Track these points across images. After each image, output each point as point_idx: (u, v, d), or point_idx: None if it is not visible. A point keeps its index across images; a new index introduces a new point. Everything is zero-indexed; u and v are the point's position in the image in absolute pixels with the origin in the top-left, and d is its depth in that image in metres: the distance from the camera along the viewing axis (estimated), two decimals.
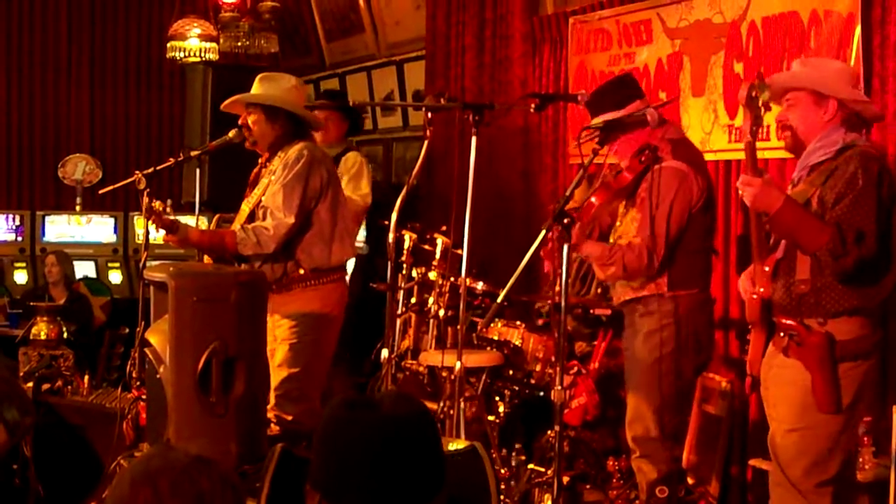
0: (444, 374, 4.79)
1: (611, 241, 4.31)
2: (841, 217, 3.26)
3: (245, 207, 4.68)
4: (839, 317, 3.36)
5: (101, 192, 5.34)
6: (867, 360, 3.45)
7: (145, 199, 4.38)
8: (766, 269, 3.43)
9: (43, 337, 5.32)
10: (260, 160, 4.79)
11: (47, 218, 8.78)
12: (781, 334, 3.46)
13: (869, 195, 3.29)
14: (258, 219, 4.59)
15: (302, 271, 4.63)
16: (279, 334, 4.61)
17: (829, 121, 3.42)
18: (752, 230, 3.45)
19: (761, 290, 3.45)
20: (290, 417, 4.53)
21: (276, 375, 4.55)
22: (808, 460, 3.42)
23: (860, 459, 3.46)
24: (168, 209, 4.51)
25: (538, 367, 4.91)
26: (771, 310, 3.49)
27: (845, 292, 3.34)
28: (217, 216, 4.80)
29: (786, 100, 3.49)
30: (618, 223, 4.28)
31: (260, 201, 4.62)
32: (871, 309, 3.43)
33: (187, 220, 4.70)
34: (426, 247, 5.58)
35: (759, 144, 4.82)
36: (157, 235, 4.67)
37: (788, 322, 3.41)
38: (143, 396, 3.94)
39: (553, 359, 4.66)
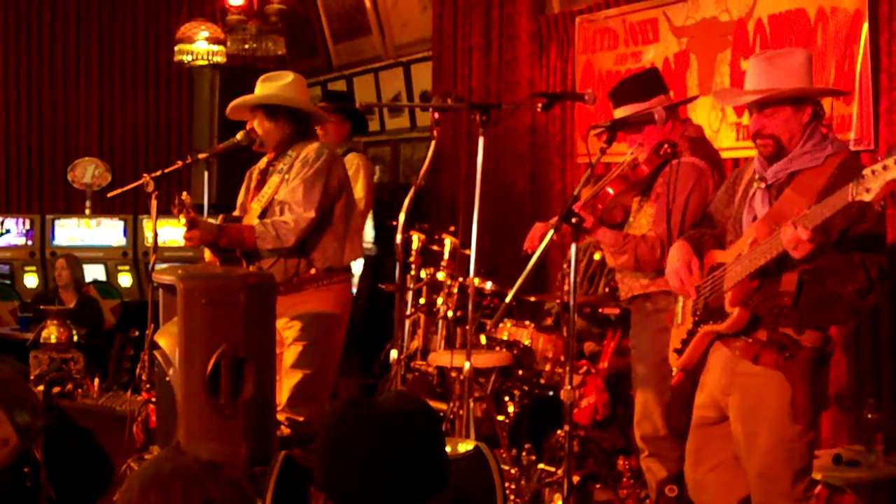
0: (454, 374, 4.80)
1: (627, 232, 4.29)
2: (863, 251, 3.17)
3: (255, 206, 4.68)
4: (815, 330, 3.31)
5: (110, 195, 5.35)
6: (828, 368, 3.47)
7: (183, 196, 4.40)
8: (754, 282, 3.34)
9: (53, 340, 5.33)
10: (266, 157, 4.79)
11: (57, 221, 8.81)
12: (747, 338, 3.37)
13: (882, 223, 3.26)
14: (273, 215, 4.60)
15: (314, 271, 4.63)
16: (290, 335, 4.61)
17: (808, 122, 3.34)
18: (753, 246, 3.30)
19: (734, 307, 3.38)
20: (301, 418, 4.54)
21: (289, 377, 4.55)
22: (795, 470, 3.36)
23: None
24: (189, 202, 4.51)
25: (548, 367, 4.90)
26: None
27: (826, 311, 3.28)
28: (221, 217, 4.80)
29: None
30: (631, 219, 4.27)
31: (272, 199, 4.63)
32: (844, 325, 3.47)
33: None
34: (434, 247, 5.59)
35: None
36: (169, 239, 4.67)
37: (775, 334, 3.31)
38: (153, 399, 3.95)
39: (562, 358, 4.67)
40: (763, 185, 3.38)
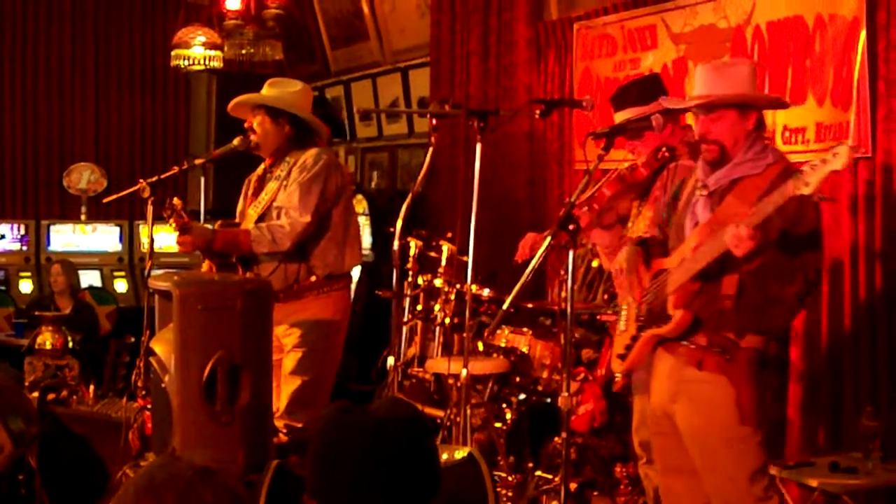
0: (451, 381, 4.79)
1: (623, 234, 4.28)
2: (801, 255, 3.26)
3: (252, 212, 4.68)
4: (758, 333, 3.35)
5: (105, 200, 5.34)
6: (771, 370, 3.52)
7: (174, 201, 4.39)
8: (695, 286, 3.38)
9: (48, 346, 5.31)
10: (263, 164, 4.79)
11: (52, 227, 8.80)
12: (689, 344, 3.39)
13: (819, 227, 3.36)
14: (271, 219, 4.60)
15: (314, 278, 4.63)
16: (289, 342, 4.60)
17: (753, 129, 3.42)
18: (695, 249, 3.35)
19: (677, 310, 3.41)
20: (300, 425, 4.53)
21: (288, 383, 4.55)
22: (749, 471, 3.40)
23: None
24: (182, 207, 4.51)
25: (545, 374, 4.90)
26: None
27: (767, 313, 3.34)
28: (219, 223, 4.80)
29: (654, 118, 3.52)
30: (630, 223, 4.26)
31: (270, 205, 4.62)
32: (781, 330, 3.52)
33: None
34: (432, 254, 5.58)
35: None
36: (165, 245, 4.66)
37: (715, 337, 3.35)
38: (149, 406, 3.93)
39: (560, 365, 4.66)
40: (705, 193, 3.43)
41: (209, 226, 4.80)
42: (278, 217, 4.58)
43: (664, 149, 4.05)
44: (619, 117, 4.18)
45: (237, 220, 4.85)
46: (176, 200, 4.42)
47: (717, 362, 3.35)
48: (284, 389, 4.53)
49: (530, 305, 5.15)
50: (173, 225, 4.46)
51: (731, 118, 3.38)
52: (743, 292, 3.29)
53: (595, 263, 5.21)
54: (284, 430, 4.46)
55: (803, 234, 3.27)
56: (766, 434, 3.46)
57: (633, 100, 4.20)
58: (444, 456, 2.20)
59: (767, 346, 3.39)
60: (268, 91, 4.75)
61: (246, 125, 4.71)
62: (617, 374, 3.61)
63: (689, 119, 4.34)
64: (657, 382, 3.56)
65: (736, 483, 3.40)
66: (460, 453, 2.41)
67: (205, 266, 4.69)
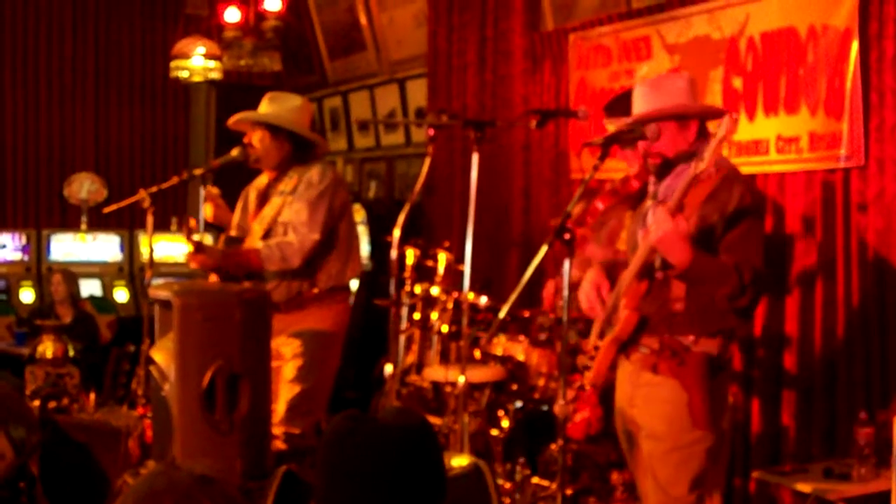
0: (448, 389, 4.82)
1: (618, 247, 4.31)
2: (737, 256, 3.30)
3: (257, 227, 4.71)
4: (710, 337, 3.41)
5: (106, 210, 5.38)
6: (727, 375, 3.57)
7: (192, 224, 4.46)
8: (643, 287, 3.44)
9: (49, 355, 5.33)
10: (266, 178, 4.82)
11: (53, 237, 8.82)
12: (644, 349, 3.47)
13: (759, 227, 3.41)
14: (276, 235, 4.63)
15: (316, 290, 4.66)
16: (288, 352, 4.64)
17: (693, 140, 3.48)
18: (640, 250, 3.42)
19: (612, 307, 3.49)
20: (298, 431, 4.56)
21: (287, 391, 4.58)
22: (691, 476, 3.43)
23: None
24: (196, 228, 4.56)
25: (541, 382, 4.92)
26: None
27: (720, 315, 3.39)
28: (223, 236, 4.83)
29: (648, 128, 3.51)
30: (624, 233, 4.29)
31: (275, 220, 4.65)
32: (735, 332, 3.52)
33: (202, 238, 4.74)
34: (429, 263, 5.61)
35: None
36: (165, 254, 4.70)
37: (665, 340, 3.42)
38: (149, 414, 3.96)
39: (556, 373, 4.69)
40: (655, 202, 3.51)
41: (210, 237, 4.83)
42: (285, 233, 4.60)
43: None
44: (612, 128, 4.22)
45: (234, 232, 4.87)
46: (192, 222, 4.49)
47: (669, 366, 3.42)
48: (283, 397, 4.56)
49: (527, 314, 5.18)
50: (189, 246, 4.54)
51: (671, 130, 3.46)
52: (691, 294, 3.36)
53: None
54: (282, 438, 4.49)
55: (738, 217, 3.32)
56: (719, 441, 3.48)
57: (624, 111, 4.23)
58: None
59: (723, 351, 3.44)
60: (267, 107, 4.76)
61: (245, 140, 4.74)
62: (586, 386, 3.67)
63: None
64: (619, 388, 3.66)
65: (675, 487, 3.45)
66: (458, 461, 2.43)
67: (212, 276, 4.72)
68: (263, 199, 4.78)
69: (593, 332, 3.67)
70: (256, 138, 4.70)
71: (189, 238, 4.48)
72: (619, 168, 4.77)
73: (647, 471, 3.58)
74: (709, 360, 3.40)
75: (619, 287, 3.53)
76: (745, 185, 3.43)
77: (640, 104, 3.56)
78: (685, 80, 3.60)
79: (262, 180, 4.85)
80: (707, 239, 3.33)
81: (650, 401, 3.49)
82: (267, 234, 4.65)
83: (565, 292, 3.58)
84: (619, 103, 4.30)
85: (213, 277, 4.70)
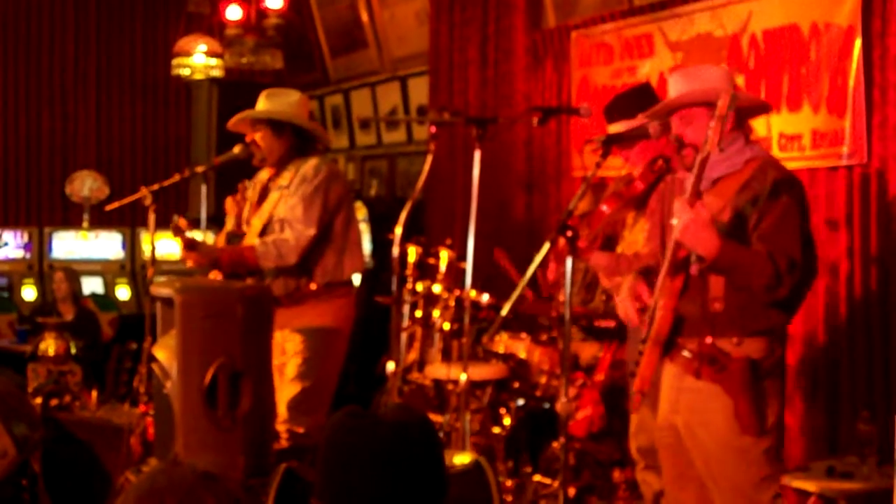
0: (450, 386, 4.81)
1: (618, 250, 4.31)
2: (771, 244, 3.19)
3: (256, 222, 4.70)
4: (755, 336, 3.29)
5: (107, 208, 5.38)
6: (779, 377, 3.43)
7: (180, 222, 4.44)
8: (677, 285, 3.33)
9: (51, 353, 5.33)
10: (264, 174, 4.81)
11: (55, 234, 8.83)
12: (686, 353, 3.36)
13: (794, 215, 3.26)
14: (273, 232, 4.62)
15: (314, 286, 4.65)
16: (290, 348, 4.62)
17: (728, 131, 3.31)
18: (668, 246, 3.32)
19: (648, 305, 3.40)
20: (301, 430, 4.56)
21: (289, 389, 4.57)
22: (755, 480, 3.34)
23: None
24: (187, 226, 4.55)
25: (543, 379, 4.92)
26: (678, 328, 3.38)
27: (762, 312, 3.28)
28: (224, 232, 4.83)
29: (680, 117, 3.41)
30: (626, 233, 4.28)
31: (272, 215, 4.65)
32: (783, 328, 3.43)
33: (194, 235, 4.74)
34: (431, 260, 5.61)
35: None
36: (167, 252, 4.70)
37: (706, 346, 3.31)
38: (151, 411, 3.96)
39: (558, 371, 4.68)
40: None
41: (211, 235, 4.83)
42: (281, 229, 4.60)
43: (660, 160, 4.06)
44: (612, 129, 4.21)
45: (231, 226, 4.87)
46: (181, 221, 4.47)
47: (709, 372, 3.31)
48: (285, 394, 4.55)
49: (528, 311, 5.17)
50: (179, 244, 4.52)
51: (703, 119, 3.32)
52: (730, 293, 3.25)
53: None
54: (286, 436, 4.49)
55: (775, 226, 3.21)
56: (775, 441, 3.38)
57: (623, 112, 4.22)
58: (446, 461, 2.22)
59: (769, 352, 3.32)
60: (267, 103, 4.75)
61: (248, 139, 4.73)
62: (633, 395, 3.57)
63: None
64: (662, 393, 3.52)
65: (741, 492, 3.34)
66: (460, 458, 2.43)
67: (212, 273, 4.72)
68: (263, 193, 4.78)
69: (638, 337, 3.52)
70: (259, 136, 4.68)
71: (179, 236, 4.47)
72: (621, 166, 4.76)
73: (688, 482, 3.49)
74: (751, 364, 3.28)
75: (656, 289, 3.39)
76: (778, 171, 3.31)
77: (672, 91, 3.45)
78: (723, 70, 3.50)
79: (264, 175, 4.85)
80: (743, 230, 3.22)
81: (695, 408, 3.37)
82: (265, 230, 4.65)
83: (567, 289, 3.57)
84: (618, 106, 4.30)
85: (216, 275, 4.70)
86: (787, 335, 3.73)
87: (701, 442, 3.39)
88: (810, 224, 3.42)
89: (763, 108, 3.64)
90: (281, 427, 4.43)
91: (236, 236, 4.76)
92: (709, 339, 3.31)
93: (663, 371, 3.49)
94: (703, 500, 3.49)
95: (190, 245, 4.51)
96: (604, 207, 4.11)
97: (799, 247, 3.23)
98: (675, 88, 3.44)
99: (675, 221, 3.17)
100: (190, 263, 4.65)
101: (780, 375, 3.47)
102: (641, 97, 4.33)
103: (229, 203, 4.89)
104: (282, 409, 4.51)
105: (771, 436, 3.35)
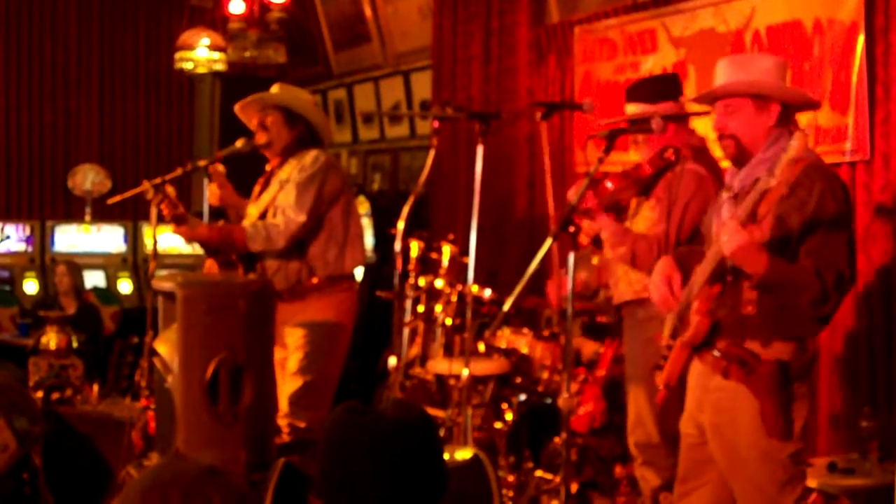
0: (452, 381, 4.82)
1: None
2: (819, 259, 3.11)
3: (253, 210, 4.72)
4: (787, 340, 3.23)
5: (110, 201, 5.37)
6: (808, 380, 3.36)
7: (167, 189, 4.45)
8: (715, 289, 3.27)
9: (53, 346, 5.33)
10: (268, 166, 4.82)
11: (57, 228, 8.83)
12: (716, 354, 3.29)
13: (842, 225, 3.17)
14: (269, 218, 4.63)
15: (316, 280, 4.66)
16: (292, 342, 4.63)
17: (774, 125, 3.26)
18: (712, 254, 3.24)
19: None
20: (303, 425, 4.56)
21: (290, 383, 4.58)
22: (779, 482, 3.28)
23: None
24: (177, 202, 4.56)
25: (545, 375, 4.92)
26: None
27: (795, 317, 3.21)
28: (222, 222, 4.83)
29: (724, 106, 3.31)
30: (628, 222, 4.27)
31: (268, 206, 4.66)
32: (814, 334, 3.36)
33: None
34: (433, 255, 5.60)
35: None
36: (169, 245, 4.70)
37: (735, 348, 3.26)
38: (152, 405, 3.96)
39: (560, 366, 4.68)
40: (730, 195, 3.33)
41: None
42: (275, 215, 4.61)
43: (670, 150, 4.03)
44: (629, 109, 4.20)
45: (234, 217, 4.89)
46: (170, 189, 4.47)
47: (739, 374, 3.24)
48: (287, 389, 4.56)
49: (531, 306, 5.17)
50: (165, 213, 4.51)
51: (747, 111, 3.24)
52: (763, 296, 3.17)
53: (595, 261, 5.22)
54: (287, 430, 4.49)
55: (819, 224, 3.12)
56: (801, 446, 3.30)
57: (644, 96, 4.20)
58: (446, 456, 2.22)
59: (799, 354, 3.24)
60: (283, 92, 4.78)
61: (256, 122, 4.72)
62: (658, 386, 3.54)
63: (696, 125, 4.38)
64: (690, 392, 3.47)
65: (764, 493, 3.29)
66: (461, 454, 2.43)
67: (207, 264, 4.72)
68: (264, 185, 4.79)
69: (666, 328, 3.49)
70: (269, 121, 4.69)
71: (166, 207, 4.47)
72: (623, 161, 4.76)
73: (707, 481, 3.45)
74: (781, 367, 3.21)
75: (691, 286, 3.35)
76: (826, 182, 3.16)
77: (718, 78, 3.34)
78: (773, 60, 3.37)
79: (267, 169, 4.86)
80: (786, 242, 3.13)
81: (721, 408, 3.31)
82: (261, 218, 4.66)
83: (569, 285, 3.57)
84: (642, 88, 4.29)
85: (211, 264, 4.70)
86: (817, 340, 3.65)
87: (726, 441, 3.32)
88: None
89: (811, 105, 3.52)
90: (282, 421, 4.42)
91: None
92: (735, 345, 3.25)
93: (690, 369, 3.43)
94: (719, 500, 3.44)
95: (180, 219, 4.52)
96: (608, 184, 4.08)
97: (846, 259, 3.15)
98: (722, 76, 3.34)
99: (724, 238, 3.08)
100: (181, 236, 4.66)
101: (809, 377, 3.39)
102: (666, 85, 4.31)
103: (212, 189, 4.89)
104: (283, 404, 4.52)
105: (798, 440, 3.28)
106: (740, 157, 3.30)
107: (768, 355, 3.21)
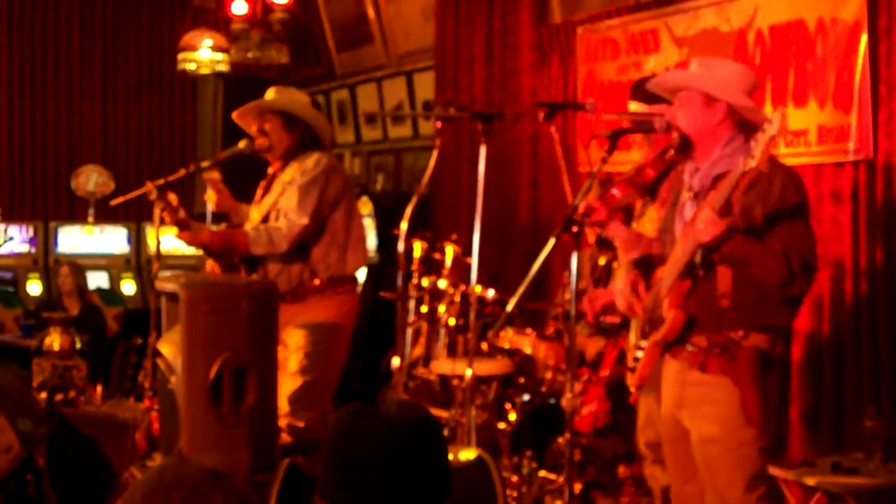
0: (455, 382, 4.82)
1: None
2: (785, 243, 3.20)
3: (256, 214, 4.72)
4: (761, 331, 3.30)
5: (113, 203, 5.38)
6: (781, 374, 3.45)
7: (169, 196, 4.45)
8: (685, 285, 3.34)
9: (56, 347, 5.33)
10: (270, 169, 4.82)
11: (60, 229, 8.84)
12: (691, 348, 3.35)
13: (803, 214, 3.29)
14: (271, 221, 4.64)
15: (318, 281, 4.66)
16: (293, 343, 4.63)
17: (719, 124, 3.37)
18: (682, 248, 3.33)
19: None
20: (301, 424, 4.56)
21: (290, 383, 4.58)
22: (747, 477, 3.34)
23: None
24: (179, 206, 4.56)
25: (549, 375, 4.92)
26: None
27: (769, 308, 3.29)
28: (224, 225, 4.83)
29: (678, 98, 3.44)
30: (634, 224, 4.27)
31: (271, 209, 4.66)
32: (788, 326, 3.44)
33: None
34: (436, 255, 5.60)
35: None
36: (172, 247, 4.70)
37: (716, 337, 3.31)
38: (156, 406, 3.96)
39: (563, 366, 4.68)
40: (691, 194, 3.43)
41: (215, 228, 4.84)
42: (277, 219, 4.62)
43: (671, 150, 4.03)
44: (632, 107, 4.20)
45: (236, 220, 4.88)
46: (172, 196, 4.47)
47: (719, 364, 3.31)
48: (286, 388, 4.56)
49: (534, 307, 5.17)
50: (167, 220, 4.51)
51: (696, 105, 3.36)
52: (737, 289, 3.26)
53: (602, 261, 5.22)
54: (287, 430, 4.49)
55: (788, 224, 3.23)
56: (772, 439, 3.40)
57: (643, 95, 4.20)
58: (450, 457, 2.22)
59: (773, 346, 3.33)
60: (279, 96, 4.78)
61: (255, 129, 4.73)
62: (631, 388, 3.57)
63: None
64: (665, 388, 3.53)
65: (732, 489, 3.34)
66: (465, 454, 2.43)
67: (208, 265, 4.72)
68: (267, 188, 4.79)
69: (633, 331, 3.57)
70: (268, 126, 4.69)
71: (168, 214, 4.47)
72: (625, 161, 4.76)
73: (692, 476, 3.48)
74: (760, 354, 3.30)
75: (659, 285, 3.43)
76: (785, 173, 3.31)
77: (678, 75, 3.53)
78: (739, 68, 3.52)
79: (269, 172, 4.86)
80: (752, 232, 3.23)
81: (700, 402, 3.36)
82: (264, 221, 4.66)
83: (572, 286, 3.57)
84: (642, 85, 4.28)
85: (209, 265, 4.70)
86: (791, 333, 3.72)
87: (703, 435, 3.38)
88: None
89: (761, 119, 3.47)
90: (281, 421, 4.43)
91: (236, 227, 4.77)
92: (713, 334, 3.31)
93: (664, 367, 3.51)
94: (705, 496, 3.47)
95: (182, 224, 4.52)
96: (615, 192, 4.09)
97: (811, 247, 3.26)
98: (687, 73, 3.49)
99: (701, 226, 3.16)
100: (184, 241, 4.66)
101: (782, 372, 3.49)
102: None
103: (209, 196, 4.89)
104: (283, 403, 4.52)
105: (769, 433, 3.36)
106: (684, 149, 3.43)
107: (747, 343, 3.30)
